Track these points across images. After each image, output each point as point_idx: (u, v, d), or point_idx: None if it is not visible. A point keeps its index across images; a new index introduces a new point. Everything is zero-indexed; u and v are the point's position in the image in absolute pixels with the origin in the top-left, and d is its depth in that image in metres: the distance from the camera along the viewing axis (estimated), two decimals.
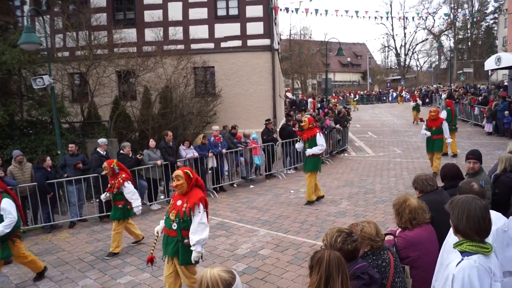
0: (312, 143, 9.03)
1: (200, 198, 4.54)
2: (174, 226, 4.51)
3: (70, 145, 9.47)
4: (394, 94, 45.11)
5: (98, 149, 9.45)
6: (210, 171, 11.34)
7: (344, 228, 2.82)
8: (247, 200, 10.28)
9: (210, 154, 11.07)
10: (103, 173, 7.49)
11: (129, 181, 7.11)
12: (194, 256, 4.41)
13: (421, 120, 11.29)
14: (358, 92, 48.17)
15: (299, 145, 9.83)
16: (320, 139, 9.02)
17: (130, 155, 9.73)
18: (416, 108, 24.31)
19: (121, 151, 9.84)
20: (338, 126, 15.87)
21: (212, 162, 11.19)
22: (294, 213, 8.69)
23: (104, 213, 9.22)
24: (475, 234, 2.40)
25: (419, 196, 3.99)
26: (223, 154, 11.48)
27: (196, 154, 10.84)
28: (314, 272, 2.31)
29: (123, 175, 7.11)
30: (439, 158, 11.07)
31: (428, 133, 11.04)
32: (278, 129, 14.34)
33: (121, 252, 7.08)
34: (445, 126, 11.01)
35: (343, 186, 10.92)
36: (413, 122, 24.21)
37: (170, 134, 10.69)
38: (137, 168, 9.72)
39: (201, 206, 4.52)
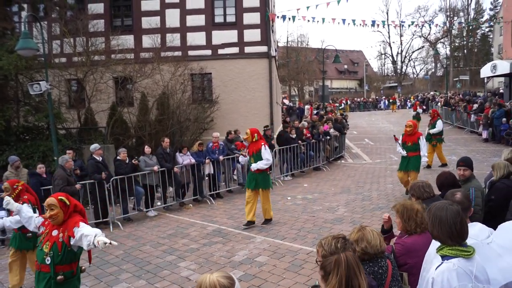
0: (258, 157, 8.21)
1: (79, 220, 3.91)
2: (48, 260, 3.83)
3: (67, 152, 9.44)
4: (387, 102, 45.16)
5: (94, 155, 9.41)
6: (206, 178, 11.33)
7: (337, 234, 2.80)
8: (244, 207, 10.22)
9: (206, 161, 11.05)
10: (3, 195, 5.87)
11: (29, 205, 5.65)
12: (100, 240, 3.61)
13: (395, 139, 10.26)
14: (354, 99, 48.31)
15: (242, 159, 9.06)
16: (266, 152, 8.21)
17: (127, 161, 9.71)
18: (417, 117, 22.89)
19: (118, 157, 9.83)
20: (336, 132, 15.94)
21: (209, 169, 11.17)
22: (291, 220, 8.67)
23: (100, 219, 9.18)
24: (449, 239, 2.47)
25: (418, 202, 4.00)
26: (219, 161, 11.47)
27: (193, 161, 10.82)
28: (332, 275, 2.24)
29: (25, 197, 5.90)
30: (415, 179, 9.96)
31: (404, 153, 9.60)
32: (275, 136, 14.35)
33: (117, 258, 7.04)
34: (423, 142, 9.68)
35: (340, 193, 10.91)
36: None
37: (166, 140, 10.67)
38: (134, 174, 9.70)
39: (82, 224, 3.89)
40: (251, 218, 8.29)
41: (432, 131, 13.17)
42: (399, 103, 43.48)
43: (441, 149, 13.30)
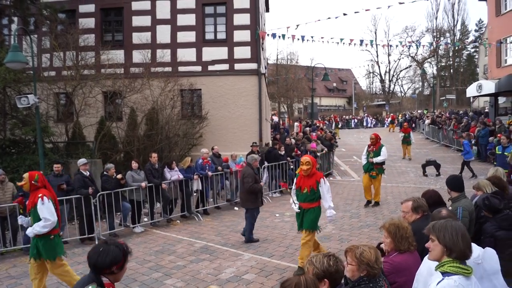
0: (35, 216, 5.45)
1: None
2: None
3: (55, 165, 9.31)
4: (369, 120, 46.27)
5: (81, 170, 9.32)
6: (195, 194, 11.28)
7: (328, 253, 2.85)
8: (231, 223, 10.19)
9: (195, 177, 11.01)
10: None
11: None
12: None
13: (283, 185, 8.56)
14: (343, 116, 48.84)
15: (22, 220, 5.93)
16: (44, 208, 5.39)
17: (114, 177, 9.63)
18: (406, 141, 19.99)
19: (105, 173, 9.75)
20: (325, 149, 16.05)
21: (197, 185, 11.13)
22: (279, 237, 8.64)
23: (86, 235, 9.05)
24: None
25: (418, 218, 4.08)
26: (208, 177, 11.44)
27: (181, 176, 10.77)
28: None
29: None
30: (308, 245, 6.58)
31: (296, 208, 6.73)
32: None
33: None
34: (326, 187, 6.60)
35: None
36: (403, 157, 20.21)
37: (154, 156, 10.58)
38: (121, 189, 9.61)
39: None
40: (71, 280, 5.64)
41: (376, 159, 10.93)
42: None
43: (380, 182, 11.34)
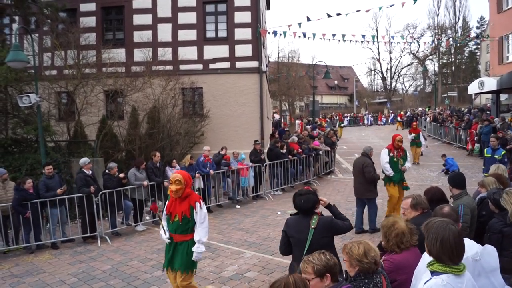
0: None
1: None
2: None
3: (47, 167, 9.00)
4: (370, 117, 46.32)
5: (83, 169, 9.32)
6: (196, 192, 11.27)
7: (319, 251, 2.92)
8: (233, 221, 10.20)
9: (197, 175, 11.02)
10: None
11: None
12: None
13: (153, 207, 5.80)
14: (344, 114, 48.81)
15: None
16: None
17: (116, 175, 9.64)
18: (416, 143, 17.83)
19: (107, 171, 9.76)
20: (327, 147, 16.05)
21: (199, 183, 11.13)
22: (281, 235, 8.62)
23: (88, 234, 9.07)
24: (448, 259, 2.46)
25: (417, 215, 4.07)
26: (210, 175, 11.44)
27: None
28: None
29: None
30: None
31: (167, 238, 5.13)
32: (265, 151, 14.38)
33: (104, 274, 6.94)
34: (202, 214, 5.07)
35: None
36: (413, 163, 16.93)
37: (158, 155, 10.60)
38: (123, 188, 9.62)
39: None
40: None
41: (408, 166, 9.27)
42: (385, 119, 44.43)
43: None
